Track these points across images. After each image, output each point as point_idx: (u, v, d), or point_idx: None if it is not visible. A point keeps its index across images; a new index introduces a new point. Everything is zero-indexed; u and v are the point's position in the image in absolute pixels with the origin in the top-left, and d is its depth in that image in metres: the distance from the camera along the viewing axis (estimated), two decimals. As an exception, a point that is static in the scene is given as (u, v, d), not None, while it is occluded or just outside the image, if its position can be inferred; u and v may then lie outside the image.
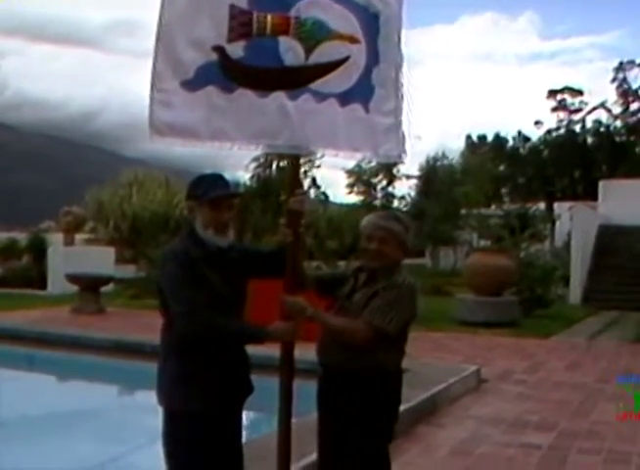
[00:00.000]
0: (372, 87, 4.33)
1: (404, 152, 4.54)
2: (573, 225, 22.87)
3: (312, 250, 23.73)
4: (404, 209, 33.58)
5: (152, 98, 3.73)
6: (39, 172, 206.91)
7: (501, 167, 49.99)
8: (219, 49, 3.82)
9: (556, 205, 33.21)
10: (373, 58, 4.31)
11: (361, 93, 4.28)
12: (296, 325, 3.84)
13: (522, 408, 8.13)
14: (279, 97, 3.98)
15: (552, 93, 58.12)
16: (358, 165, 33.18)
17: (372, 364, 3.81)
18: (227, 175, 3.99)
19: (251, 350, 3.87)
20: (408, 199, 34.27)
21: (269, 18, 3.92)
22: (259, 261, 4.06)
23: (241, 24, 3.86)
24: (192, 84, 3.79)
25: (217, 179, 3.85)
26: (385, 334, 3.75)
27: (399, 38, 4.47)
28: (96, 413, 8.46)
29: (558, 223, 29.59)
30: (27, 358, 11.17)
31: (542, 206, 33.23)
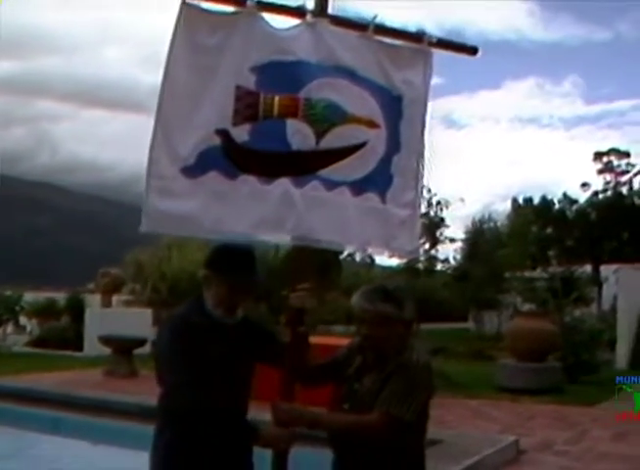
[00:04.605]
0: (390, 176, 4.02)
1: (416, 249, 4.29)
2: (619, 288, 22.35)
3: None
4: (448, 272, 33.23)
5: (148, 185, 3.49)
6: (87, 233, 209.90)
7: (548, 230, 49.46)
8: (223, 133, 3.58)
9: (603, 267, 32.61)
10: (394, 144, 4.01)
11: (378, 182, 3.97)
12: (291, 433, 3.53)
13: (562, 482, 7.69)
14: (283, 184, 3.69)
15: (598, 155, 57.52)
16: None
17: (390, 448, 3.45)
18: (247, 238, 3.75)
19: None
20: (452, 262, 33.87)
21: (277, 99, 3.68)
22: (266, 348, 3.77)
23: (246, 107, 3.63)
24: (193, 170, 3.54)
25: (244, 259, 3.58)
26: (403, 423, 3.38)
27: (423, 124, 4.15)
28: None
29: (605, 286, 28.99)
30: (53, 422, 10.91)
31: (589, 268, 32.65)
